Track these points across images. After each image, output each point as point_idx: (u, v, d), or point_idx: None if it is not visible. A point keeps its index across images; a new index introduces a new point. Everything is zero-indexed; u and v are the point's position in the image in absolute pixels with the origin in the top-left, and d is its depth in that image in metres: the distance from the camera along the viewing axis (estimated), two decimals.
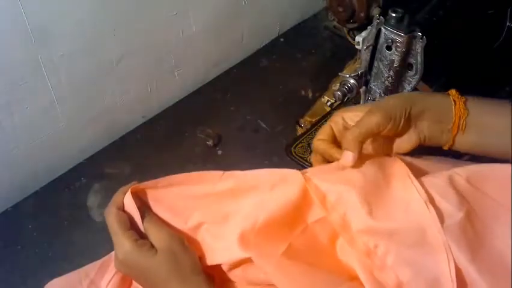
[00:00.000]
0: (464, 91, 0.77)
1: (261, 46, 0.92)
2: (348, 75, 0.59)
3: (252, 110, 0.77)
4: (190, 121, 0.75)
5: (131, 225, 0.46)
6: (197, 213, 0.49)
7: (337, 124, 0.51)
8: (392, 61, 0.54)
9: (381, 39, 0.54)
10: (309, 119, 0.74)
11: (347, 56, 0.82)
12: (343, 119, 0.51)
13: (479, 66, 0.73)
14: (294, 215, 0.48)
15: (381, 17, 0.53)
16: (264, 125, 0.74)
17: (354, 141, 0.47)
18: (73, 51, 0.63)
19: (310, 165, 0.58)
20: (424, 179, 0.48)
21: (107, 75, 0.70)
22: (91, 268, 0.52)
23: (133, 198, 0.47)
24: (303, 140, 0.70)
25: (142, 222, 0.47)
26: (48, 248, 0.60)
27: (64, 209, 0.64)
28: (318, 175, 0.49)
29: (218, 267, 0.48)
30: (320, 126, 0.72)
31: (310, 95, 0.79)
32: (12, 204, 0.64)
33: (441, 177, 0.48)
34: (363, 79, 0.59)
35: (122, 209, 0.47)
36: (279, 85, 0.82)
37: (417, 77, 0.55)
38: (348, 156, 0.47)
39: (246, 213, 0.48)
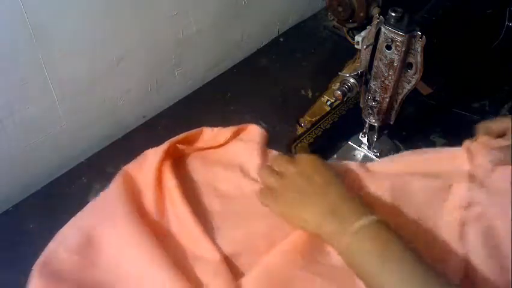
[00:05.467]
0: (463, 91, 0.77)
1: (261, 46, 0.93)
2: (348, 75, 0.59)
3: (252, 110, 0.77)
4: (190, 121, 0.75)
5: None
6: None
7: None
8: (392, 60, 0.55)
9: (381, 39, 0.54)
10: (309, 118, 0.74)
11: (346, 56, 0.82)
12: None
13: (479, 66, 0.73)
14: None
15: (380, 16, 0.53)
16: (264, 125, 0.74)
17: None
18: (73, 51, 0.63)
19: None
20: None
21: (108, 75, 0.70)
22: None
23: None
24: (303, 139, 0.70)
25: None
26: None
27: (65, 208, 0.64)
28: None
29: None
30: (320, 126, 0.72)
31: (310, 94, 0.80)
32: (13, 204, 0.64)
33: None
34: (363, 78, 0.59)
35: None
36: (279, 85, 0.82)
37: (416, 76, 0.55)
38: None
39: None
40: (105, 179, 0.67)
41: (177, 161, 0.65)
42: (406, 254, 0.45)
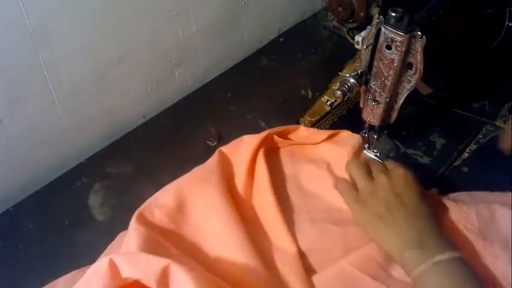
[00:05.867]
0: (463, 91, 0.77)
1: (261, 46, 0.93)
2: (348, 75, 0.59)
3: (252, 110, 0.77)
4: (190, 121, 0.76)
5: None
6: None
7: None
8: (392, 60, 0.55)
9: (381, 39, 0.54)
10: (309, 118, 0.74)
11: (346, 56, 0.82)
12: None
13: (479, 66, 0.73)
14: None
15: (380, 16, 0.53)
16: (264, 125, 0.74)
17: None
18: (73, 51, 0.63)
19: None
20: None
21: (108, 75, 0.70)
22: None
23: None
24: None
25: None
26: (49, 248, 0.60)
27: (65, 208, 0.64)
28: None
29: None
30: (320, 126, 0.72)
31: (310, 94, 0.80)
32: (14, 204, 0.64)
33: None
34: (363, 78, 0.59)
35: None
36: (279, 85, 0.82)
37: (416, 76, 0.55)
38: None
39: None
40: (105, 179, 0.67)
41: (269, 151, 0.65)
42: None
